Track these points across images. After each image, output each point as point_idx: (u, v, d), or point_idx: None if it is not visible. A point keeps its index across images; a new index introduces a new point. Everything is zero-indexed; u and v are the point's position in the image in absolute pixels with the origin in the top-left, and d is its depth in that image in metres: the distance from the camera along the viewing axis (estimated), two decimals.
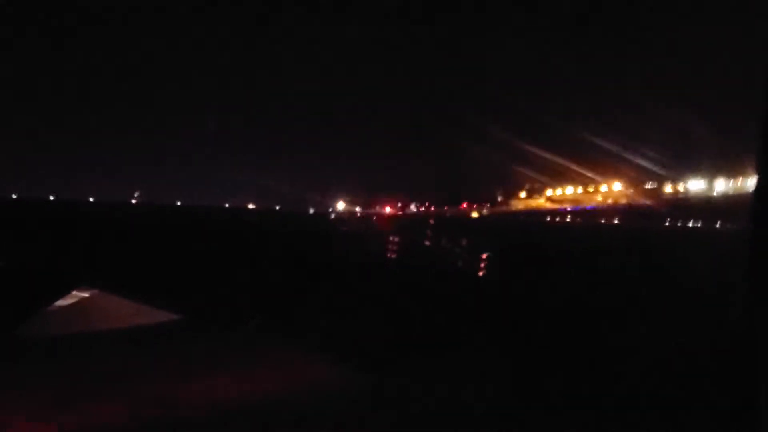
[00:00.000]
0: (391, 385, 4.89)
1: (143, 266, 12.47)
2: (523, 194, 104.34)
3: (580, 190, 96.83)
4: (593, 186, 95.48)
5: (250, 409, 4.03)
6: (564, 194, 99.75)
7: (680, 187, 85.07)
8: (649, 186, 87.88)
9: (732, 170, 77.69)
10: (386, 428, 3.94)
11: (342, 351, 5.89)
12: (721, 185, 79.35)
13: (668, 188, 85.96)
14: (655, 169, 75.29)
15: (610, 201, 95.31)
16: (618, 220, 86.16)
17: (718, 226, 66.02)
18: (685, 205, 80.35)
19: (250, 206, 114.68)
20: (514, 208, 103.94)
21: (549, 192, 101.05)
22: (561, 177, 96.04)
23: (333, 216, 70.70)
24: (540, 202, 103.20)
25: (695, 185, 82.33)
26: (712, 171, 79.25)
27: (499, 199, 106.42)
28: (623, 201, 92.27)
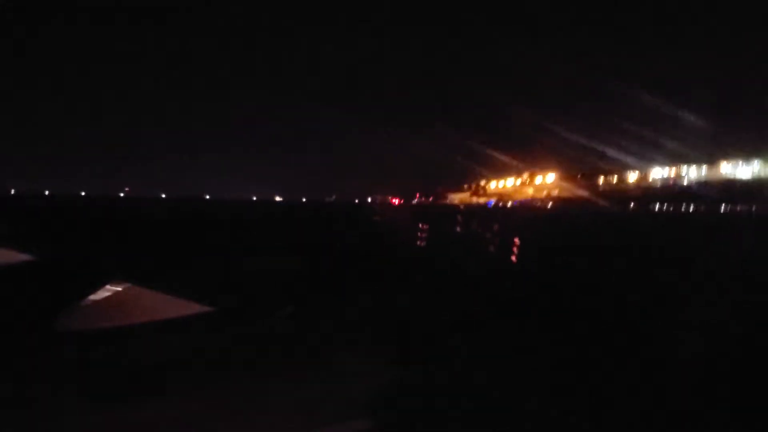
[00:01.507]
0: (420, 376, 5.01)
1: (175, 260, 12.83)
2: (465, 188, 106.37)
3: (519, 182, 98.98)
4: (526, 178, 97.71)
5: (279, 400, 4.06)
6: (503, 187, 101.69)
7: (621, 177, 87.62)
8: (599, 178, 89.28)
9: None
10: (414, 421, 3.99)
11: (372, 341, 6.02)
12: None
13: (604, 178, 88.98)
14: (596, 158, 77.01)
15: (544, 193, 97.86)
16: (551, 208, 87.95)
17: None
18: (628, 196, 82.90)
19: (278, 198, 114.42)
20: (448, 202, 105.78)
21: (492, 185, 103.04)
22: (500, 171, 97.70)
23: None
24: (466, 196, 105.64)
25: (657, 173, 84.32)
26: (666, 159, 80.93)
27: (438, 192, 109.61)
28: (557, 192, 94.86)
